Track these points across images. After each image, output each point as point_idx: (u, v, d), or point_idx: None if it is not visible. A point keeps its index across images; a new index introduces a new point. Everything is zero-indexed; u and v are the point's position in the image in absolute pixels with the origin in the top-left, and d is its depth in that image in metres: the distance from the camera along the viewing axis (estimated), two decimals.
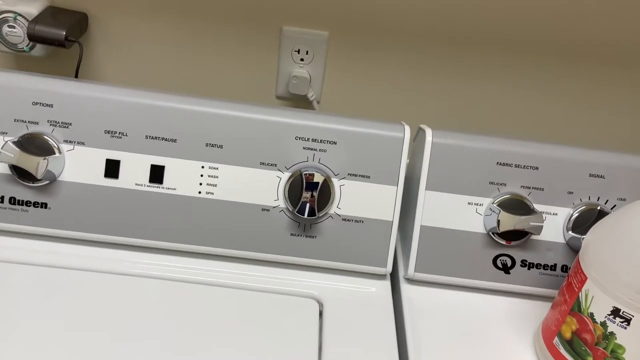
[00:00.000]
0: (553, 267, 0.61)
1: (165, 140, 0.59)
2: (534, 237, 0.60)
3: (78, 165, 0.59)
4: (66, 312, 0.52)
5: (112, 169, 0.59)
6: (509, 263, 0.60)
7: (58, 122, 0.58)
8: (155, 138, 0.58)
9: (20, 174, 0.58)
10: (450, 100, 0.79)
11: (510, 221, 0.57)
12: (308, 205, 0.57)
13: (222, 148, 0.59)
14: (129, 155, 0.59)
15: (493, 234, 0.60)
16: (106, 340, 0.50)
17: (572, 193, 0.60)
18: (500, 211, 0.58)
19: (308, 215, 0.57)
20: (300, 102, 0.79)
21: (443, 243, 0.60)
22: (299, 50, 0.75)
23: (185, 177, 0.59)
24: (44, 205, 0.59)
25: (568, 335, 0.51)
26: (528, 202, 0.59)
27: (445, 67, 0.76)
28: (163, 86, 0.80)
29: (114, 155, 0.59)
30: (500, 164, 0.59)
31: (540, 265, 0.60)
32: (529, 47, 0.74)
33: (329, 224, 0.60)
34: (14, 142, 0.57)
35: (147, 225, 0.59)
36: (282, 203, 0.59)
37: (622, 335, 0.48)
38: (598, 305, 0.48)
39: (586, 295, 0.49)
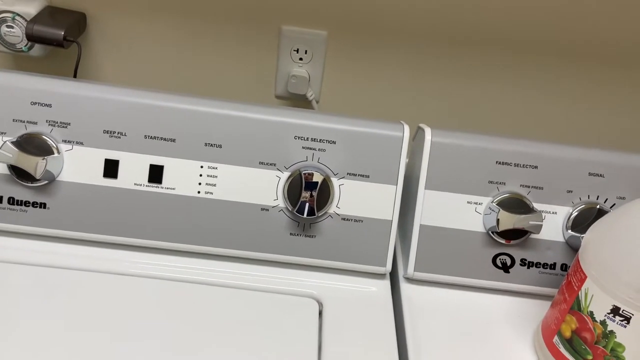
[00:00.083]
0: (552, 266, 0.61)
1: (164, 140, 0.58)
2: (533, 236, 0.60)
3: (77, 165, 0.59)
4: (65, 312, 0.52)
5: (111, 168, 0.59)
6: (509, 262, 0.60)
7: (57, 122, 0.58)
8: (154, 138, 0.58)
9: (19, 174, 0.58)
10: (450, 100, 0.79)
11: (509, 220, 0.57)
12: (307, 204, 0.57)
13: (221, 148, 0.59)
14: (128, 155, 0.59)
15: (492, 233, 0.60)
16: (106, 341, 0.50)
17: (571, 192, 0.60)
18: (499, 210, 0.58)
19: (307, 215, 0.57)
20: (299, 101, 0.79)
21: (442, 242, 0.60)
22: (297, 49, 0.75)
23: (184, 176, 0.59)
24: (43, 206, 0.59)
25: (568, 334, 0.51)
26: (527, 201, 0.59)
27: (445, 67, 0.76)
28: (162, 86, 0.80)
29: (112, 155, 0.59)
30: (500, 163, 0.59)
31: (540, 264, 0.60)
32: (529, 47, 0.74)
33: (328, 224, 0.60)
34: (12, 142, 0.56)
35: (146, 225, 0.59)
36: (281, 203, 0.59)
37: (621, 334, 0.48)
38: (598, 304, 0.48)
39: (586, 294, 0.49)
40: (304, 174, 0.57)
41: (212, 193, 0.59)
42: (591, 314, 0.49)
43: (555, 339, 0.53)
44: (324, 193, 0.58)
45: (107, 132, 0.58)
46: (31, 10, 0.71)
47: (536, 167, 0.59)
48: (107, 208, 0.59)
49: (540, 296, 0.61)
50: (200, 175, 0.59)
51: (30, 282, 0.55)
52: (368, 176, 0.59)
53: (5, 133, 0.58)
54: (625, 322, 0.47)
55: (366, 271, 0.61)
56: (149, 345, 0.51)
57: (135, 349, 0.50)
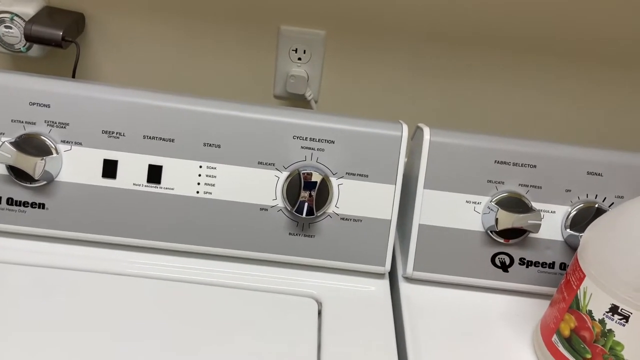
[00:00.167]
0: (551, 265, 0.61)
1: (163, 140, 0.58)
2: (532, 235, 0.60)
3: (75, 165, 0.59)
4: (64, 312, 0.52)
5: (109, 169, 0.59)
6: (507, 261, 0.61)
7: (55, 123, 0.58)
8: (153, 138, 0.58)
9: (17, 174, 0.58)
10: (448, 100, 0.79)
11: (508, 219, 0.58)
12: (306, 204, 0.57)
13: (220, 148, 0.59)
14: (127, 155, 0.59)
15: (491, 232, 0.60)
16: (105, 341, 0.50)
17: (570, 191, 0.60)
18: (498, 209, 0.58)
19: (306, 215, 0.57)
20: (298, 101, 0.79)
21: (441, 242, 0.60)
22: (296, 49, 0.75)
23: (183, 176, 0.59)
24: (42, 206, 0.59)
25: (567, 332, 0.51)
26: (526, 200, 0.59)
27: (443, 66, 0.76)
28: (160, 86, 0.80)
29: (111, 155, 0.59)
30: (498, 162, 0.59)
31: (539, 263, 0.61)
32: (528, 47, 0.74)
33: (327, 223, 0.60)
34: (11, 143, 0.56)
35: (145, 226, 0.59)
36: (280, 202, 0.59)
37: (620, 333, 0.48)
38: (596, 303, 0.49)
39: (584, 293, 0.50)
40: (303, 173, 0.57)
41: (211, 193, 0.59)
42: (590, 312, 0.49)
43: (554, 337, 0.53)
44: (322, 193, 0.58)
45: (106, 132, 0.58)
46: (29, 10, 0.71)
47: (535, 166, 0.59)
48: (106, 208, 0.59)
49: (539, 295, 0.61)
50: (199, 175, 0.59)
51: (29, 283, 0.55)
52: (367, 176, 0.59)
53: (3, 133, 0.58)
54: (624, 320, 0.47)
55: (365, 271, 0.61)
56: (149, 345, 0.51)
57: (135, 350, 0.50)
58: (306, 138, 0.59)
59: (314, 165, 0.59)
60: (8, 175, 0.58)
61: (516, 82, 0.77)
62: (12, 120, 0.58)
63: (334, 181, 0.59)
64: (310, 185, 0.57)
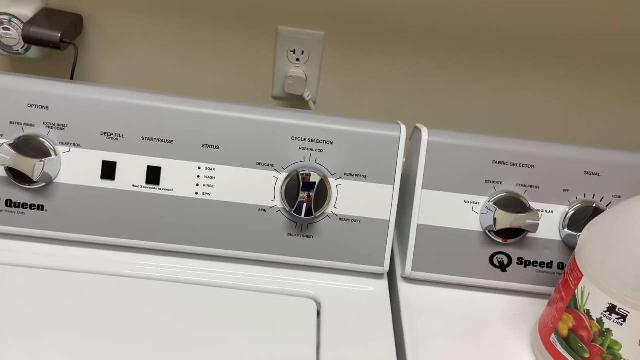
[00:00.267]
0: (549, 265, 0.61)
1: (162, 141, 0.59)
2: (530, 235, 0.60)
3: (74, 167, 0.59)
4: (64, 314, 0.52)
5: (108, 170, 0.59)
6: (506, 261, 0.61)
7: (54, 124, 0.58)
8: (152, 139, 0.58)
9: (16, 176, 0.58)
10: (446, 100, 0.79)
11: (506, 219, 0.58)
12: (305, 205, 0.57)
13: (219, 149, 0.59)
14: (126, 157, 0.59)
15: (489, 232, 0.60)
16: (104, 342, 0.50)
17: (567, 191, 0.60)
18: (496, 209, 0.58)
19: (305, 215, 0.58)
20: (296, 102, 0.79)
21: (440, 242, 0.60)
22: (294, 50, 0.75)
23: (181, 178, 0.59)
24: (41, 208, 0.59)
25: (565, 332, 0.51)
26: (524, 200, 0.59)
27: (441, 67, 0.76)
28: (159, 87, 0.80)
29: (110, 156, 0.59)
30: (496, 162, 0.60)
31: (537, 262, 0.61)
32: (528, 47, 0.74)
33: (326, 224, 0.60)
34: (9, 145, 0.56)
35: (144, 227, 0.59)
36: (279, 203, 0.59)
37: (618, 332, 0.48)
38: (594, 302, 0.49)
39: (582, 293, 0.50)
40: (302, 174, 0.57)
41: (209, 194, 0.59)
42: (588, 312, 0.49)
43: (553, 337, 0.53)
44: (321, 193, 0.58)
45: (105, 133, 0.58)
46: (27, 12, 0.71)
47: (532, 166, 0.60)
48: (104, 210, 0.59)
49: (537, 295, 0.61)
50: (198, 176, 0.59)
51: (28, 284, 0.55)
52: (365, 176, 0.59)
53: (2, 135, 0.58)
54: (622, 320, 0.47)
55: (364, 271, 0.61)
56: (148, 346, 0.51)
57: (135, 350, 0.50)
58: (305, 139, 0.59)
59: (312, 166, 0.59)
60: (7, 177, 0.58)
61: (515, 82, 0.77)
62: (10, 122, 0.58)
63: (332, 182, 0.59)
64: (309, 186, 0.57)
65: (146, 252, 0.60)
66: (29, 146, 0.57)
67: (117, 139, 0.58)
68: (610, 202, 0.60)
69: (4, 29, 0.71)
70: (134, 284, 0.57)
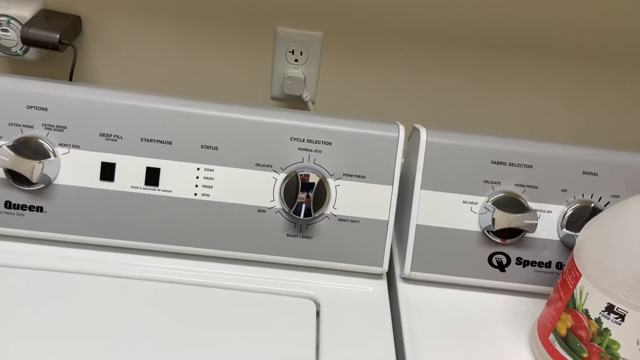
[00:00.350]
0: (548, 265, 0.61)
1: (161, 142, 0.59)
2: (528, 234, 0.60)
3: (73, 168, 0.59)
4: (63, 315, 0.52)
5: (107, 171, 0.59)
6: (504, 261, 0.61)
7: (53, 126, 0.58)
8: (151, 140, 0.58)
9: (15, 178, 0.58)
10: (445, 100, 0.79)
11: (505, 219, 0.58)
12: (304, 205, 0.57)
13: (218, 150, 0.59)
14: (125, 158, 0.59)
15: (488, 232, 0.60)
16: (104, 343, 0.50)
17: (565, 191, 0.60)
18: (495, 209, 0.58)
19: (304, 216, 0.58)
20: (295, 102, 0.80)
21: (439, 242, 0.60)
22: (293, 51, 0.75)
23: (180, 179, 0.59)
24: (40, 209, 0.59)
25: (563, 332, 0.51)
26: (522, 200, 0.60)
27: (440, 67, 0.76)
28: (157, 88, 0.80)
29: (109, 158, 0.59)
30: (495, 162, 0.60)
31: (535, 262, 0.61)
32: (527, 47, 0.74)
33: (325, 224, 0.60)
34: (8, 146, 0.56)
35: (143, 228, 0.59)
36: (278, 204, 0.59)
37: (616, 331, 0.48)
38: (592, 302, 0.49)
39: (581, 292, 0.50)
40: (300, 175, 0.57)
41: (208, 195, 0.59)
42: (586, 311, 0.49)
43: (551, 337, 0.53)
44: (320, 194, 0.58)
45: (104, 135, 0.58)
46: (26, 13, 0.71)
47: (531, 166, 0.60)
48: (104, 211, 0.59)
49: (536, 295, 0.61)
50: (197, 177, 0.59)
51: (28, 286, 0.55)
52: (364, 177, 0.59)
53: (1, 137, 0.58)
54: (620, 319, 0.47)
55: (363, 271, 0.61)
56: (148, 346, 0.51)
57: (134, 351, 0.50)
58: (303, 139, 0.59)
59: (311, 166, 0.59)
60: (6, 179, 0.58)
61: (515, 83, 0.77)
62: (9, 124, 0.58)
63: (331, 182, 0.59)
64: (307, 186, 0.57)
65: (145, 253, 0.61)
66: (27, 148, 0.57)
67: (116, 140, 0.58)
68: (609, 202, 0.60)
69: (3, 30, 0.71)
70: (133, 285, 0.57)
